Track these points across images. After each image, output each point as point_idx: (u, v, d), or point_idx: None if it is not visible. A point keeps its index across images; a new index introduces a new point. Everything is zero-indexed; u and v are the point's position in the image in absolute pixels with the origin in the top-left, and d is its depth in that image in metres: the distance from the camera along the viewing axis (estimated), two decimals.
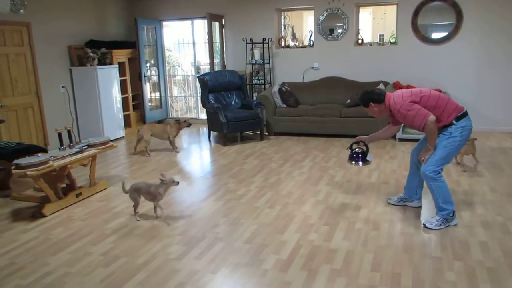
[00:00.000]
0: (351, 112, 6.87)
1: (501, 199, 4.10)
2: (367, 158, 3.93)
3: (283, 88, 7.41)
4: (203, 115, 9.03)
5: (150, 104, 8.70)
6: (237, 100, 7.45)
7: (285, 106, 7.37)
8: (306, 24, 9.41)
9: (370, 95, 3.61)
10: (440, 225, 3.49)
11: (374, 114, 3.69)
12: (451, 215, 3.52)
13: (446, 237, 3.32)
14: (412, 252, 3.11)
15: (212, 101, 7.14)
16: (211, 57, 7.99)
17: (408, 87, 7.12)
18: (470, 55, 7.01)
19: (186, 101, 9.51)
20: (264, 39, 7.93)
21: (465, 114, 3.45)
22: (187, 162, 5.96)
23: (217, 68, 8.33)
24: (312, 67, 7.92)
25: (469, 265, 2.91)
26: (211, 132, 7.38)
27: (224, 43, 8.43)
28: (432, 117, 3.32)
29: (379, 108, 3.59)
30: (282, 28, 8.38)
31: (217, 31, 8.26)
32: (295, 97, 7.46)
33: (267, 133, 7.38)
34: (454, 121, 3.40)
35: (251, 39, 8.10)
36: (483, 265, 2.90)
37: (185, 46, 9.33)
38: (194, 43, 8.86)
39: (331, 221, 3.71)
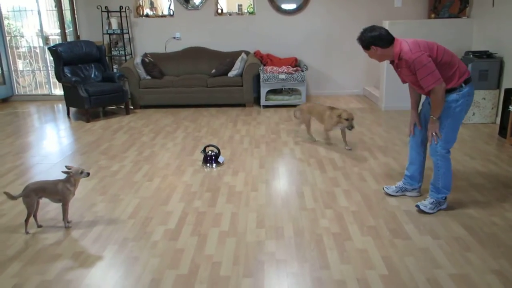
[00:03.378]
0: (217, 81, 6.99)
1: (354, 152, 4.69)
2: (219, 160, 4.40)
3: (146, 59, 7.15)
4: (57, 91, 8.25)
5: None
6: (97, 73, 6.96)
7: (149, 77, 7.14)
8: None
9: (373, 35, 2.95)
10: (433, 208, 3.24)
11: (373, 58, 3.10)
12: (443, 199, 3.29)
13: (316, 190, 3.70)
14: (289, 207, 3.41)
15: (69, 75, 6.55)
16: (62, 27, 7.26)
17: (268, 55, 7.51)
18: (319, 24, 7.67)
19: (35, 76, 8.52)
20: (121, 7, 7.48)
21: (471, 79, 3.05)
22: (46, 142, 5.42)
23: (69, 39, 7.61)
24: (174, 37, 7.78)
25: (337, 211, 3.31)
26: (70, 108, 6.79)
27: (75, 11, 7.70)
28: (443, 85, 2.88)
29: (382, 52, 2.99)
30: None
31: None
32: (159, 68, 7.27)
33: (132, 107, 7.10)
34: (463, 84, 2.98)
35: (106, 7, 7.55)
36: (348, 209, 3.34)
37: (28, 13, 8.27)
38: (39, 11, 7.91)
39: (212, 187, 3.82)
